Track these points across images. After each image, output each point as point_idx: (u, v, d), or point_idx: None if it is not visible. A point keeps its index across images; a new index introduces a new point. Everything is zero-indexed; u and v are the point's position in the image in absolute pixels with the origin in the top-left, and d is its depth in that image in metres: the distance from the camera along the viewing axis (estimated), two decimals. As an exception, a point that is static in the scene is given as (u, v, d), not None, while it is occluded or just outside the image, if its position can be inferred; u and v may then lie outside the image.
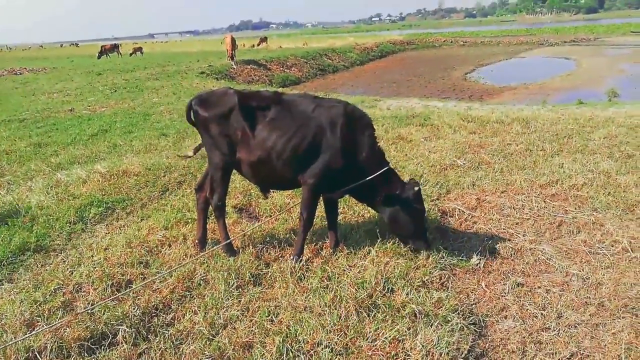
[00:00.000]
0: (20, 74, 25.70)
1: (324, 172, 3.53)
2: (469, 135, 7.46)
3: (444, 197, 5.14)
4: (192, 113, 3.77)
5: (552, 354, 2.78)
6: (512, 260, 3.85)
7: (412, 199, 3.59)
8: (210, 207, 3.98)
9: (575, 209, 4.68)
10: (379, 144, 3.72)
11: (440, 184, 5.41)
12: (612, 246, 3.95)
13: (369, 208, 4.67)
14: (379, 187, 3.63)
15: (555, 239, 4.13)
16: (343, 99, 3.80)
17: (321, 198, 3.88)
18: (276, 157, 3.52)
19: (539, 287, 3.46)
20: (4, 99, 15.40)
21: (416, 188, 3.57)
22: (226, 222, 4.60)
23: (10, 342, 2.78)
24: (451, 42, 46.18)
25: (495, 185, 5.36)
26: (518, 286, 3.48)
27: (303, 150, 3.50)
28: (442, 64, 28.53)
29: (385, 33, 68.55)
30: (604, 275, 3.54)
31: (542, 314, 3.15)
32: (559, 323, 3.04)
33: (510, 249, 3.98)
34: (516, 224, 4.47)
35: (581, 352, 2.80)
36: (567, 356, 2.77)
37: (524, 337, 2.94)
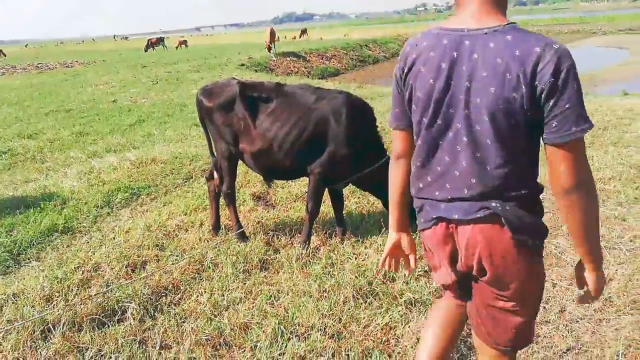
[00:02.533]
0: (72, 66, 27.00)
1: (331, 162, 3.59)
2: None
3: (463, 188, 5.07)
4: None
5: (548, 347, 2.74)
6: (523, 253, 3.78)
7: None
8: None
9: (599, 203, 4.51)
10: (379, 134, 3.76)
11: (460, 176, 5.34)
12: (631, 241, 3.81)
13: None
14: (378, 175, 3.68)
15: (571, 233, 4.01)
16: (348, 90, 3.84)
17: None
18: (278, 148, 3.60)
19: (546, 281, 3.38)
20: (54, 90, 16.24)
21: None
22: (243, 209, 4.76)
23: (32, 318, 2.99)
24: (497, 31, 44.66)
25: (517, 177, 5.24)
26: (524, 279, 3.42)
27: (307, 141, 3.56)
28: (486, 55, 27.71)
29: (431, 23, 67.23)
30: (617, 270, 3.42)
31: (544, 307, 3.09)
32: (560, 317, 2.98)
33: (523, 242, 3.90)
34: (533, 217, 4.36)
35: (579, 346, 2.74)
36: (564, 350, 2.71)
37: (521, 330, 2.91)
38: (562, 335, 2.82)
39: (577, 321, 2.94)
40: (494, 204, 1.51)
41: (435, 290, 3.15)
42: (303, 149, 3.59)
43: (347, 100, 3.61)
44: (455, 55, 1.45)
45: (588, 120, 1.38)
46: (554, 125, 1.37)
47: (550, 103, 1.35)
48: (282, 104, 3.65)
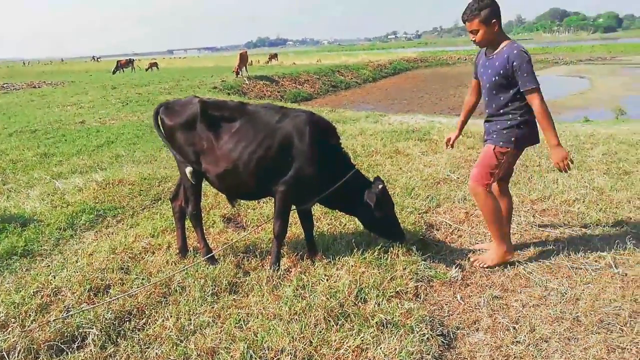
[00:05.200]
0: (39, 87, 26.42)
1: (295, 181, 3.56)
2: (467, 150, 7.43)
3: (433, 210, 5.12)
4: (159, 121, 3.83)
5: (519, 368, 2.74)
6: (492, 273, 3.80)
7: (381, 196, 3.67)
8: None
9: (564, 224, 4.62)
10: (344, 150, 3.78)
11: (430, 198, 5.40)
12: (596, 262, 3.89)
13: (355, 219, 4.69)
14: (348, 191, 3.68)
15: (539, 254, 4.07)
16: (309, 110, 3.84)
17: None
18: (243, 168, 3.56)
19: (516, 301, 3.41)
20: (19, 111, 15.82)
21: (380, 186, 3.66)
22: (212, 231, 4.67)
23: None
24: (465, 59, 46.19)
25: (486, 199, 5.31)
26: (494, 299, 3.44)
27: (271, 160, 3.53)
28: (455, 82, 28.50)
29: (401, 51, 68.87)
30: (583, 290, 3.47)
31: (514, 327, 3.11)
32: (530, 337, 2.99)
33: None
34: (502, 238, 4.42)
35: (549, 366, 2.75)
36: (534, 370, 2.72)
37: (492, 350, 2.90)
38: (532, 355, 2.82)
39: (547, 341, 2.96)
40: None
41: (406, 312, 3.12)
42: (267, 168, 3.55)
43: (310, 118, 3.60)
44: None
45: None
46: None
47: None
48: (245, 123, 3.61)
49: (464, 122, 4.23)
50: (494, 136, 3.67)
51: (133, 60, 40.31)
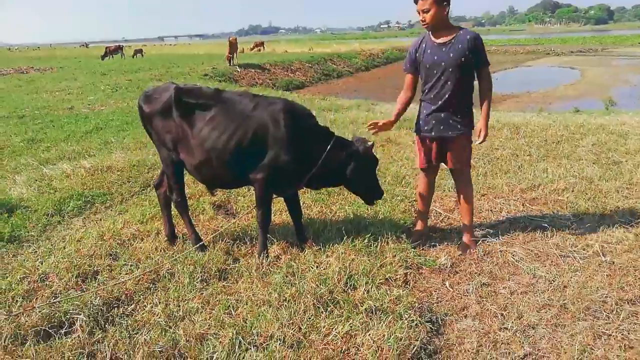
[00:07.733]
0: (27, 72, 25.96)
1: (272, 169, 3.52)
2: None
3: (424, 198, 5.11)
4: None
5: (506, 354, 2.76)
6: (481, 261, 3.83)
7: (365, 154, 3.64)
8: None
9: (553, 213, 4.65)
10: (320, 126, 3.73)
11: (421, 186, 5.39)
12: (584, 250, 3.92)
13: (345, 208, 4.69)
14: (334, 159, 3.61)
15: (527, 242, 4.10)
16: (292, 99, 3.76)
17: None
18: (216, 158, 3.52)
19: (504, 288, 3.44)
20: (6, 96, 15.56)
21: (369, 143, 3.64)
22: (202, 218, 4.64)
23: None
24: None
25: (476, 188, 5.31)
26: (482, 286, 3.46)
27: (245, 150, 3.48)
28: (447, 71, 28.40)
29: (393, 40, 68.55)
30: (571, 278, 3.50)
31: (502, 314, 3.13)
32: (517, 323, 3.01)
33: (481, 251, 3.96)
34: (491, 226, 4.45)
35: (536, 352, 2.77)
36: (521, 356, 2.74)
37: (480, 336, 2.92)
38: (519, 342, 2.85)
39: (534, 327, 2.99)
40: None
41: (395, 298, 3.13)
42: (241, 157, 3.51)
43: (285, 106, 3.55)
44: None
45: None
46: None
47: None
48: (220, 111, 3.55)
49: (400, 116, 3.89)
50: (459, 127, 3.71)
51: (122, 46, 39.62)
